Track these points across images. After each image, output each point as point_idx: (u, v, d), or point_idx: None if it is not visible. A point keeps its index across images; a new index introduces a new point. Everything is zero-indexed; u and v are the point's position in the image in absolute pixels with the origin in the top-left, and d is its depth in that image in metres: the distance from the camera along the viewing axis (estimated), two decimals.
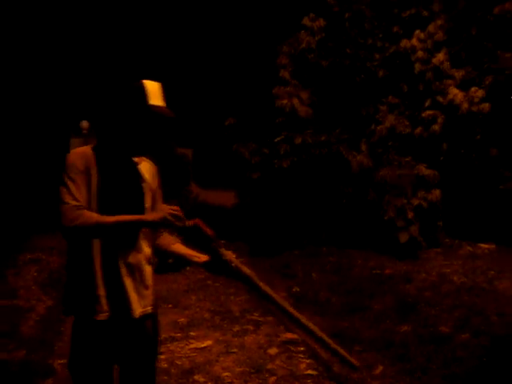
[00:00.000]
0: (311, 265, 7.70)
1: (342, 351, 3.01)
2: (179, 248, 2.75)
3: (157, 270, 3.33)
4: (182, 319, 5.57)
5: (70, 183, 2.32)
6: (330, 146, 8.23)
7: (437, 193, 8.08)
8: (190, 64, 11.62)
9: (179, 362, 4.51)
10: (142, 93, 2.41)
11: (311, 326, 3.04)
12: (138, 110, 2.41)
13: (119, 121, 2.45)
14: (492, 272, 7.14)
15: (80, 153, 2.41)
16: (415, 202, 8.01)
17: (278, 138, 8.34)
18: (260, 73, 9.41)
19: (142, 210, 2.49)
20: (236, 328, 5.37)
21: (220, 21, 11.82)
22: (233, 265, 2.69)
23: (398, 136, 8.22)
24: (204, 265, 2.69)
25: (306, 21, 8.56)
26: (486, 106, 7.91)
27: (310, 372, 4.38)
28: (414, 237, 7.94)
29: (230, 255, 2.72)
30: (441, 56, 7.97)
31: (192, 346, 4.89)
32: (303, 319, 3.01)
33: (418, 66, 8.06)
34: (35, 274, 7.04)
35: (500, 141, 8.27)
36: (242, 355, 4.71)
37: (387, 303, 5.98)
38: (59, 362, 4.52)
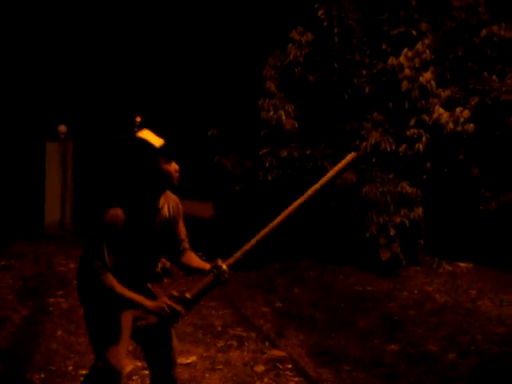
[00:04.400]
0: (292, 279, 7.62)
1: None
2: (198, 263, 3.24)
3: None
4: None
5: (104, 243, 2.84)
6: (315, 161, 8.18)
7: (419, 211, 8.08)
8: (175, 72, 11.52)
9: None
10: (155, 157, 2.90)
11: None
12: (154, 175, 2.91)
13: (141, 182, 2.94)
14: (473, 291, 7.15)
15: (117, 215, 2.84)
16: (397, 219, 8.01)
17: (264, 151, 8.26)
18: (245, 84, 9.34)
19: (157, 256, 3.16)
20: (220, 343, 5.23)
21: (206, 29, 11.76)
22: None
23: (382, 153, 8.21)
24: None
25: (293, 34, 8.51)
26: (470, 126, 7.97)
27: None
28: (395, 254, 7.93)
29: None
30: (428, 75, 8.01)
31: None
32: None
33: (404, 84, 8.07)
34: (10, 281, 6.81)
35: (482, 162, 8.34)
36: (228, 372, 4.58)
37: (372, 321, 5.92)
38: (38, 376, 4.33)
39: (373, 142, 8.18)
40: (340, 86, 8.48)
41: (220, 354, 4.95)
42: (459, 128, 8.01)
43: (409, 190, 8.06)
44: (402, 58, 8.10)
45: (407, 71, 8.07)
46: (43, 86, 12.85)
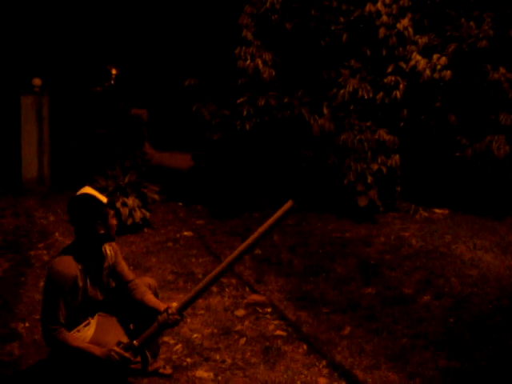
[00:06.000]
0: None
1: None
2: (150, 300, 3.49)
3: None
4: None
5: (55, 302, 3.09)
6: (292, 109, 8.17)
7: (396, 158, 8.16)
8: (150, 22, 11.30)
9: None
10: (106, 212, 3.20)
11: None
12: (102, 228, 3.22)
13: (89, 231, 3.20)
14: (448, 236, 7.30)
15: (63, 269, 3.11)
16: (375, 166, 8.08)
17: (241, 99, 8.23)
18: (222, 33, 9.21)
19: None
20: None
21: None
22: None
23: (360, 100, 8.21)
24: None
25: None
26: (447, 73, 7.97)
27: (279, 333, 4.40)
28: (372, 201, 8.03)
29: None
30: (405, 22, 7.96)
31: None
32: None
33: (382, 31, 8.03)
34: None
35: (459, 109, 8.38)
36: (208, 317, 4.70)
37: (350, 266, 6.06)
38: (22, 325, 4.40)
39: (350, 89, 8.16)
40: (317, 33, 8.40)
41: (201, 300, 5.03)
42: (436, 75, 8.01)
43: (386, 137, 8.11)
44: (379, 5, 8.02)
45: (384, 18, 8.01)
46: (16, 38, 12.55)
